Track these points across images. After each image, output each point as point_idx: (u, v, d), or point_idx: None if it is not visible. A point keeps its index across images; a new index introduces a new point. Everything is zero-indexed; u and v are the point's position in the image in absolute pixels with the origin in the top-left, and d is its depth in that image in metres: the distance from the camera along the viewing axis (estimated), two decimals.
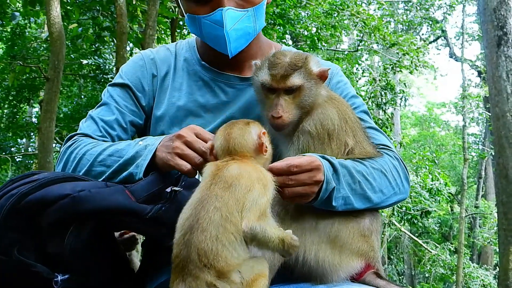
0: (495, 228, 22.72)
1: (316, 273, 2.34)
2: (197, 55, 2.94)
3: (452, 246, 25.94)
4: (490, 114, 16.69)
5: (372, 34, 18.11)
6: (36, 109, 23.06)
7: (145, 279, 2.37)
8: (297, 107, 2.46)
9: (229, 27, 2.64)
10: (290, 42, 20.49)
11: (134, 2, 12.34)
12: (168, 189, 2.25)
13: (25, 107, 19.48)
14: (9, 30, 16.34)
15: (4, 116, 19.42)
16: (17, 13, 13.64)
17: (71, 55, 16.99)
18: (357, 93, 2.99)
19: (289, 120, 2.45)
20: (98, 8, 13.18)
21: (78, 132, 2.71)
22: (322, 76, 2.53)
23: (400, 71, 19.32)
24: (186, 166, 2.26)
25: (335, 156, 2.44)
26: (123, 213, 2.08)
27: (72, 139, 2.64)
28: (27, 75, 16.48)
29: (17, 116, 19.11)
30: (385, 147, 2.74)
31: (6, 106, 18.70)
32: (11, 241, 1.98)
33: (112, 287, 2.25)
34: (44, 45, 16.45)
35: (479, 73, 29.89)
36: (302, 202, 2.28)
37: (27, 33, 17.02)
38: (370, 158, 2.55)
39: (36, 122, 21.23)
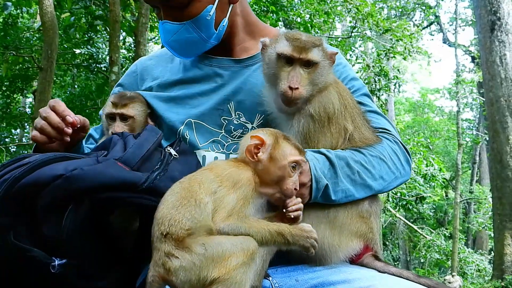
0: (490, 213, 22.91)
1: (315, 255, 2.27)
2: None
3: (447, 232, 26.10)
4: (484, 99, 16.75)
5: (365, 21, 18.13)
6: (30, 99, 23.02)
7: (139, 265, 2.35)
8: (310, 83, 2.45)
9: (167, 39, 2.76)
10: (283, 29, 20.44)
11: None
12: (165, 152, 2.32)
13: (18, 97, 19.43)
14: (1, 20, 16.25)
15: None
16: (9, 3, 13.59)
17: (64, 45, 16.96)
18: (371, 94, 2.98)
19: (304, 93, 2.42)
20: None
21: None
22: (332, 59, 2.54)
23: (394, 57, 19.37)
24: (35, 135, 2.45)
25: (335, 141, 2.46)
26: (118, 187, 2.06)
27: None
28: (20, 65, 16.41)
29: (11, 107, 19.05)
30: (385, 130, 2.73)
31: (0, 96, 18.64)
32: (6, 226, 1.96)
33: (108, 272, 2.23)
34: (37, 35, 16.38)
35: (473, 58, 29.95)
36: None
37: (19, 23, 16.96)
38: (368, 146, 2.55)
39: (30, 112, 21.19)
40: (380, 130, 2.69)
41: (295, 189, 2.10)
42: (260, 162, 2.04)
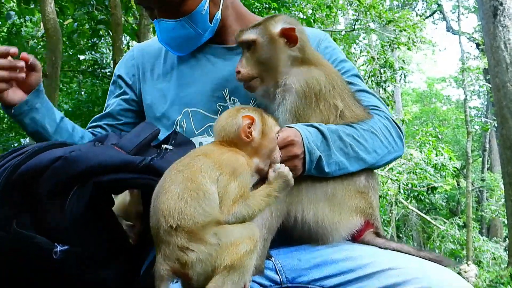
0: (503, 200, 22.74)
1: (316, 233, 2.34)
2: None
3: (460, 221, 25.97)
4: (490, 85, 16.68)
5: (368, 13, 18.08)
6: None
7: (143, 253, 2.37)
8: (256, 63, 2.49)
9: (163, 37, 2.82)
10: None
11: None
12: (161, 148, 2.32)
13: None
14: (5, 30, 16.32)
15: (5, 116, 19.40)
16: (12, 12, 13.67)
17: (69, 52, 16.99)
18: (360, 75, 2.99)
19: (246, 75, 2.49)
20: (92, 2, 13.18)
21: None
22: (287, 36, 2.51)
23: (398, 48, 19.34)
24: None
25: (326, 118, 2.45)
26: (117, 167, 2.06)
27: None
28: None
29: None
30: (375, 107, 2.75)
31: None
32: (9, 215, 1.97)
33: (112, 260, 2.24)
34: (42, 43, 16.41)
35: (477, 45, 29.82)
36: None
37: (23, 32, 17.00)
38: (359, 121, 2.56)
39: None
40: (371, 107, 2.70)
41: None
42: (253, 140, 2.06)
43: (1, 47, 2.45)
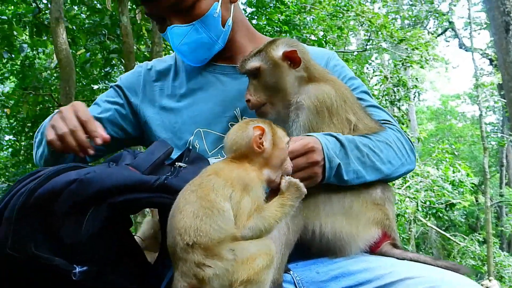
0: None
1: (334, 246, 2.37)
2: None
3: (480, 237, 25.71)
4: (505, 100, 16.63)
5: (379, 32, 18.07)
6: None
7: (163, 271, 2.37)
8: (264, 89, 2.52)
9: (177, 43, 2.82)
10: None
11: (138, 22, 12.45)
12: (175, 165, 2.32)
13: None
14: (18, 63, 16.48)
15: (22, 148, 19.48)
16: (25, 45, 13.83)
17: (82, 82, 17.12)
18: (370, 91, 3.04)
19: (257, 102, 2.52)
20: (104, 32, 13.32)
21: None
22: (290, 58, 2.54)
23: (411, 66, 19.29)
24: (50, 135, 2.43)
25: (340, 132, 2.48)
26: (132, 188, 2.08)
27: None
28: (41, 105, 16.59)
29: None
30: (386, 121, 2.79)
31: (23, 138, 18.78)
32: (26, 237, 1.98)
33: (129, 279, 2.26)
34: (55, 75, 16.54)
35: (491, 61, 29.72)
36: (312, 184, 2.31)
37: (36, 64, 17.14)
38: (373, 133, 2.59)
39: None
40: (382, 121, 2.74)
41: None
42: (264, 151, 2.05)
43: (93, 128, 2.44)
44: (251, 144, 2.04)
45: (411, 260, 2.41)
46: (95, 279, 2.08)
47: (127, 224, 2.34)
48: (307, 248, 2.41)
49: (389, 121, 2.81)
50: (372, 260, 2.40)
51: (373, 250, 2.47)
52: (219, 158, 2.74)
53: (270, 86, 2.52)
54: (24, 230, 1.98)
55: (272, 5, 16.38)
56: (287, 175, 2.12)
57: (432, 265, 2.35)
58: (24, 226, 1.98)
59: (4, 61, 15.50)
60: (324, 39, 17.29)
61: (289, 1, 16.35)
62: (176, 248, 1.83)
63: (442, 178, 18.98)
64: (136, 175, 2.16)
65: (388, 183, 2.67)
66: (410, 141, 2.78)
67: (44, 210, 2.01)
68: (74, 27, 13.25)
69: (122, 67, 14.80)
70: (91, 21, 13.80)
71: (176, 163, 2.37)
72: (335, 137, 2.41)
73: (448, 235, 25.55)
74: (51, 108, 17.10)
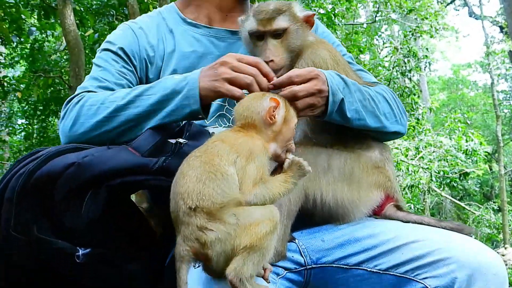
0: None
1: (337, 213, 2.40)
2: (181, 15, 2.97)
3: (495, 205, 25.66)
4: None
5: (388, 3, 18.00)
6: None
7: (169, 243, 2.31)
8: (286, 51, 2.50)
9: None
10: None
11: (145, 0, 12.44)
12: (173, 141, 2.26)
13: (54, 120, 19.62)
14: (28, 46, 16.53)
15: (35, 132, 19.54)
16: (33, 28, 13.82)
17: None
18: (380, 63, 3.08)
19: (282, 63, 2.48)
20: (112, 12, 13.34)
21: (79, 92, 2.60)
22: (308, 21, 2.58)
23: (421, 36, 19.20)
24: (238, 90, 2.23)
25: None
26: (131, 171, 2.08)
27: (77, 96, 2.53)
28: (51, 88, 16.64)
29: (48, 130, 19.19)
30: (377, 83, 2.82)
31: (35, 121, 18.86)
32: (28, 220, 1.99)
33: (136, 254, 2.28)
34: (65, 57, 16.59)
35: (501, 28, 29.41)
36: (313, 114, 2.31)
37: (46, 47, 17.17)
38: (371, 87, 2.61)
39: None
40: (373, 83, 2.76)
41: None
42: (275, 124, 2.05)
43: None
44: (264, 115, 2.04)
45: (415, 222, 2.44)
46: (99, 261, 2.11)
47: (128, 204, 2.36)
48: (309, 216, 2.42)
49: (380, 83, 2.82)
50: (377, 225, 2.44)
51: (377, 213, 2.51)
52: (216, 127, 2.72)
53: (292, 48, 2.52)
54: (26, 212, 2.01)
55: None
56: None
57: (436, 227, 2.39)
58: (26, 208, 2.01)
59: (14, 45, 15.57)
60: (333, 12, 17.18)
61: None
62: (179, 213, 1.84)
63: (455, 148, 18.92)
64: (134, 158, 2.16)
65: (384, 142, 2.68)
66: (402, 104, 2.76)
67: (43, 193, 2.03)
68: (81, 8, 13.21)
69: None
70: (98, 2, 13.80)
71: (177, 139, 2.29)
72: (339, 75, 2.40)
73: (463, 204, 25.56)
74: (62, 91, 17.19)
